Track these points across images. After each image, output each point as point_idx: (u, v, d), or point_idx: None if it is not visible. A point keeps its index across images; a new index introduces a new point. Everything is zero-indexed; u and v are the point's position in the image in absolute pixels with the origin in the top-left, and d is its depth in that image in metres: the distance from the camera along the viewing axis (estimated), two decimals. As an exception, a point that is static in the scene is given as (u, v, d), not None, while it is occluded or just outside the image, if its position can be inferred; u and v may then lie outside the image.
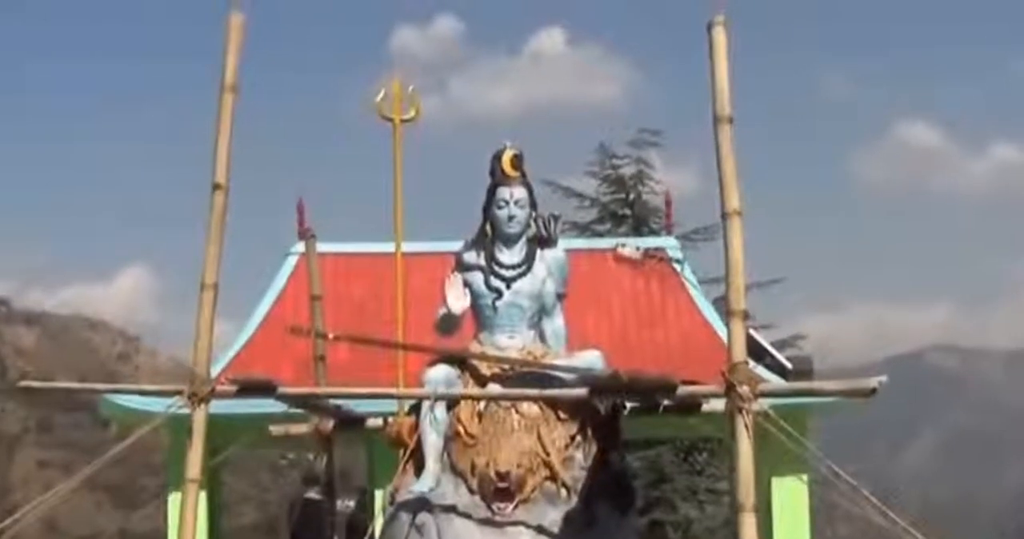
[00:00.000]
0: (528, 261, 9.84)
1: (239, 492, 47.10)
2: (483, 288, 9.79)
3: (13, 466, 53.80)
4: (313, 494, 15.64)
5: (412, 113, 11.08)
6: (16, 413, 57.14)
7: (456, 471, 9.47)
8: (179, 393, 8.67)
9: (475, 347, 9.84)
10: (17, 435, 56.82)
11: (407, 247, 11.60)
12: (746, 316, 7.99)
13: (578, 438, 9.56)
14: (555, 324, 10.00)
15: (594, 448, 9.65)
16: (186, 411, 8.60)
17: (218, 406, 8.85)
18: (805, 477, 17.55)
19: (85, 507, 47.35)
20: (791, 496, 21.03)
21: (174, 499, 16.46)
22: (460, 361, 9.74)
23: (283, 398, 9.72)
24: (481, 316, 9.87)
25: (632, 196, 37.65)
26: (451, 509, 9.31)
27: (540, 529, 9.22)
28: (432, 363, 9.70)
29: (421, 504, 9.35)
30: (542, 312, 9.89)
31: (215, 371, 9.44)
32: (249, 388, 9.03)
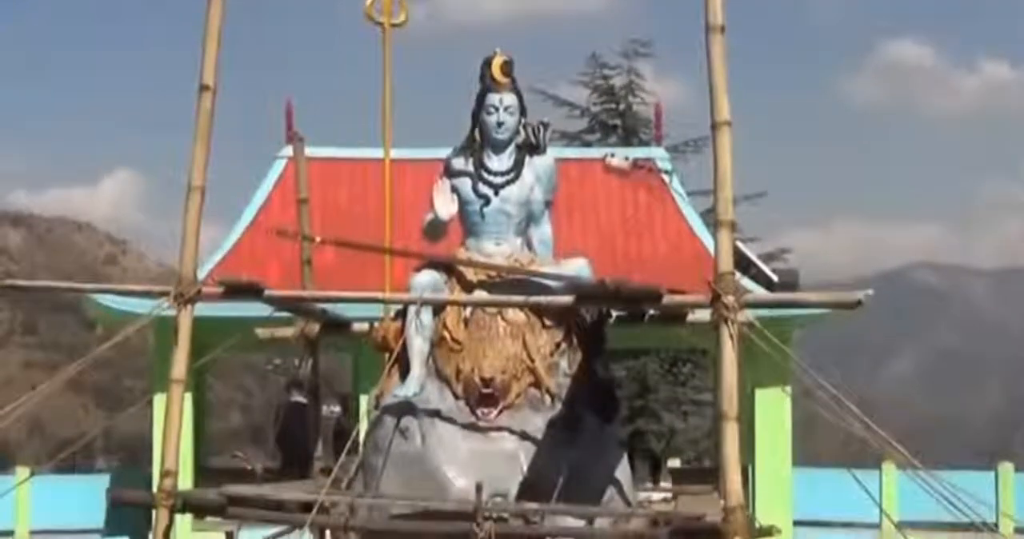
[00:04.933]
0: (516, 168, 9.80)
1: (224, 397, 47.38)
2: (471, 194, 9.77)
3: (-2, 367, 53.92)
4: (299, 398, 15.70)
5: (402, 18, 10.99)
6: (1, 314, 57.19)
7: (441, 376, 9.50)
8: (165, 294, 8.67)
9: (462, 253, 9.83)
10: (2, 336, 56.91)
11: (395, 153, 11.54)
12: (733, 227, 7.99)
13: (563, 345, 9.59)
14: (542, 231, 9.99)
15: (579, 356, 9.68)
16: (172, 313, 8.60)
17: (204, 308, 8.85)
18: (788, 389, 17.61)
19: (70, 409, 47.51)
20: (773, 408, 21.18)
21: (159, 400, 16.45)
22: (447, 267, 9.73)
23: (269, 301, 9.71)
24: (468, 222, 9.85)
25: (622, 106, 37.60)
26: (435, 414, 9.35)
27: (524, 435, 9.27)
28: (419, 268, 9.70)
29: (405, 408, 9.39)
30: (530, 219, 9.88)
31: (202, 274, 9.44)
32: (235, 290, 9.03)
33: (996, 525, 15.10)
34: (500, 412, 9.30)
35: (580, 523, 9.11)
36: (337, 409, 21.81)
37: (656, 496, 19.23)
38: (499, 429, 9.29)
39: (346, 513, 9.32)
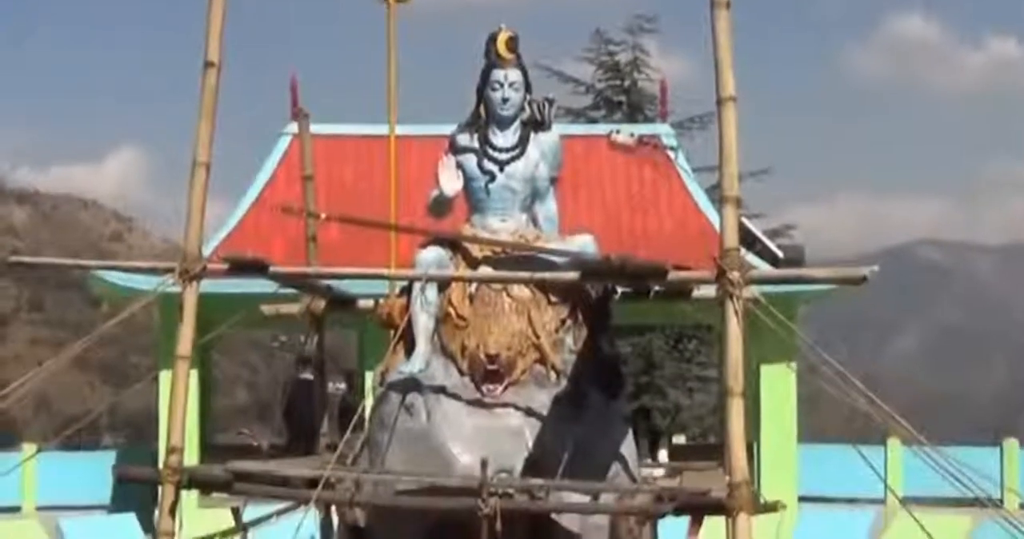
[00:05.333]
0: (522, 144, 9.79)
1: (230, 374, 47.42)
2: (476, 171, 9.76)
3: (4, 344, 53.98)
4: (307, 375, 15.74)
5: (407, -7, 10.97)
6: (7, 291, 57.21)
7: (446, 353, 9.51)
8: (170, 271, 8.67)
9: (467, 230, 9.83)
10: (8, 313, 56.95)
11: (400, 130, 11.54)
12: (739, 203, 7.98)
13: (568, 322, 9.59)
14: (548, 208, 9.98)
15: (584, 332, 9.69)
16: (177, 289, 8.61)
17: (209, 285, 8.85)
18: (793, 365, 17.65)
19: (77, 386, 47.59)
20: (779, 384, 21.22)
21: (165, 377, 16.52)
22: (452, 243, 9.73)
23: (274, 277, 9.71)
24: (473, 199, 9.85)
25: (627, 83, 37.57)
26: (441, 390, 9.36)
27: (529, 411, 9.28)
28: (424, 245, 9.70)
29: (411, 385, 9.40)
30: (535, 196, 9.87)
31: (207, 251, 9.43)
32: (241, 266, 9.03)
33: (1001, 501, 15.08)
34: (505, 388, 9.31)
35: (585, 499, 9.14)
36: (343, 386, 21.88)
37: (658, 472, 19.27)
38: (504, 405, 9.30)
39: (351, 489, 9.35)
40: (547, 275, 9.26)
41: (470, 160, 9.80)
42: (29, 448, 22.97)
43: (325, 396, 13.04)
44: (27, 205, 74.27)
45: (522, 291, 9.45)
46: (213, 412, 26.67)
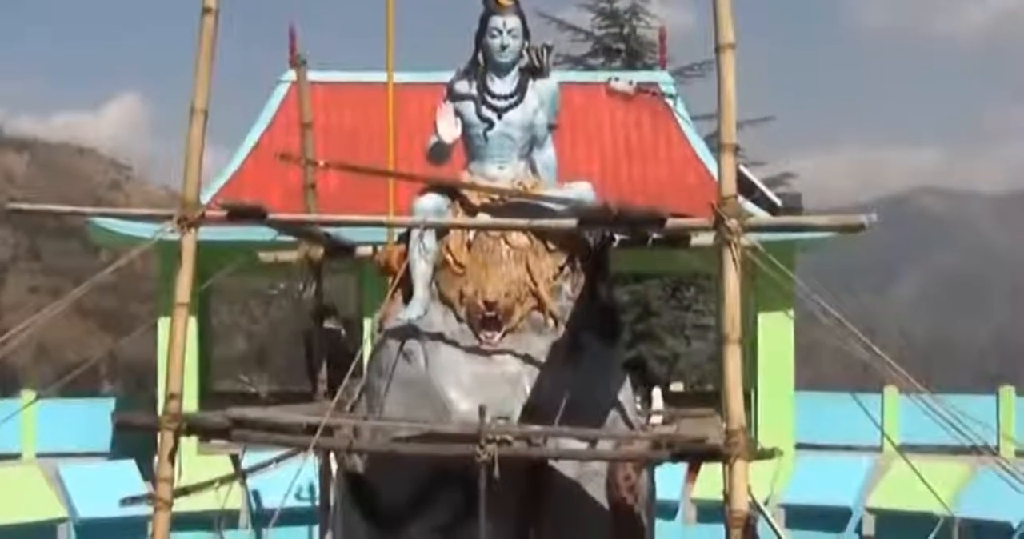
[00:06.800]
0: (520, 91, 9.76)
1: (229, 321, 47.39)
2: (474, 118, 9.73)
3: (3, 292, 53.95)
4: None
5: (405, -61, 10.92)
6: (6, 240, 57.14)
7: (444, 300, 9.52)
8: (169, 218, 8.67)
9: (466, 177, 9.82)
10: (7, 262, 56.89)
11: (399, 77, 11.52)
12: (737, 151, 7.96)
13: (566, 269, 9.60)
14: (546, 155, 9.97)
15: (582, 280, 9.69)
16: (176, 237, 8.61)
17: (208, 232, 8.86)
18: (791, 313, 17.66)
19: (76, 334, 47.59)
20: (776, 332, 21.21)
21: (164, 324, 16.52)
22: (450, 190, 9.73)
23: (273, 224, 9.71)
24: (472, 146, 9.83)
25: (626, 30, 37.46)
26: (439, 337, 9.38)
27: (527, 358, 9.30)
28: (422, 192, 9.69)
29: (409, 332, 9.42)
30: (533, 143, 9.85)
31: (205, 199, 9.42)
32: (239, 213, 9.01)
33: (997, 448, 15.16)
34: (503, 335, 9.33)
35: (583, 445, 9.18)
36: (335, 326, 21.83)
37: (655, 419, 19.34)
38: (502, 352, 9.32)
39: (350, 436, 9.38)
40: (545, 222, 9.26)
41: (468, 107, 9.77)
42: (28, 395, 23.03)
43: (324, 343, 13.05)
44: (25, 153, 74.04)
45: (520, 238, 9.45)
46: (212, 360, 26.72)
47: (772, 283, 7.92)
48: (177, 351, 8.51)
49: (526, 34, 9.84)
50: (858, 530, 20.11)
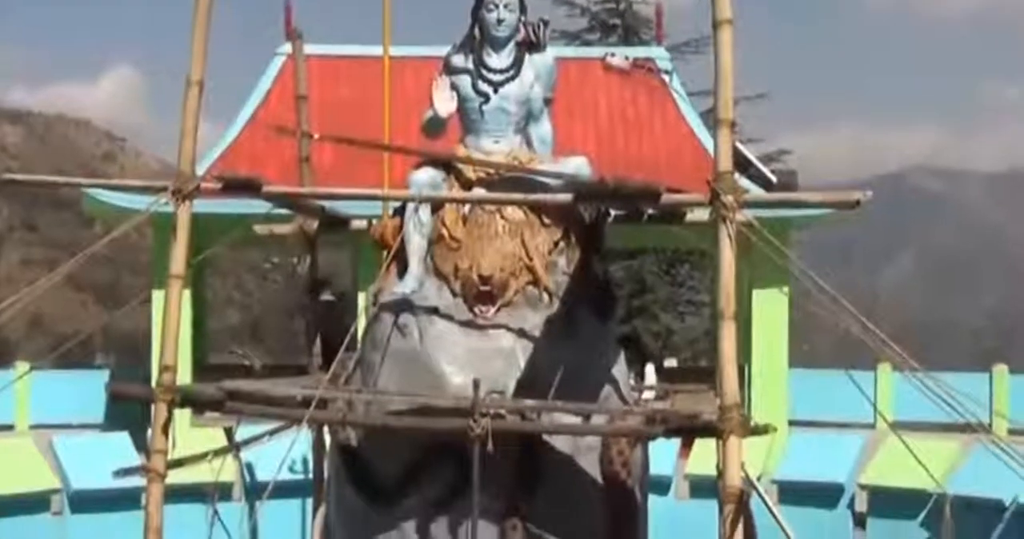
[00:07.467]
0: (516, 65, 9.74)
1: (223, 295, 47.41)
2: (470, 92, 9.71)
3: (-3, 263, 53.94)
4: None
5: (403, -89, 10.87)
6: (0, 211, 57.11)
7: (439, 274, 9.51)
8: (163, 190, 8.65)
9: (461, 151, 9.80)
10: (1, 233, 56.85)
11: (395, 50, 11.49)
12: (733, 127, 7.94)
13: (561, 244, 9.59)
14: (542, 130, 9.95)
15: (577, 254, 9.69)
16: (170, 209, 8.59)
17: (202, 205, 8.83)
18: (786, 289, 17.65)
19: (70, 306, 47.56)
20: (771, 308, 21.23)
21: (159, 296, 16.54)
22: (446, 164, 9.71)
23: (268, 197, 9.69)
24: (468, 120, 9.81)
25: (623, 6, 37.35)
26: (433, 311, 9.38)
27: (521, 332, 9.30)
28: (418, 166, 9.68)
29: (404, 305, 9.42)
30: (529, 117, 9.83)
31: (200, 171, 9.38)
32: (234, 185, 8.98)
33: (990, 426, 15.19)
34: (498, 310, 9.33)
35: (577, 420, 9.18)
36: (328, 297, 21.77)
37: (648, 394, 19.37)
38: (497, 326, 9.32)
39: (344, 409, 9.38)
40: (541, 197, 9.25)
41: (464, 81, 9.76)
42: (22, 367, 23.00)
43: (320, 315, 13.03)
44: (20, 125, 73.94)
45: (515, 213, 9.44)
46: (206, 333, 26.71)
47: (767, 259, 7.91)
48: (171, 323, 8.49)
49: (522, 9, 9.82)
50: (850, 506, 20.20)
